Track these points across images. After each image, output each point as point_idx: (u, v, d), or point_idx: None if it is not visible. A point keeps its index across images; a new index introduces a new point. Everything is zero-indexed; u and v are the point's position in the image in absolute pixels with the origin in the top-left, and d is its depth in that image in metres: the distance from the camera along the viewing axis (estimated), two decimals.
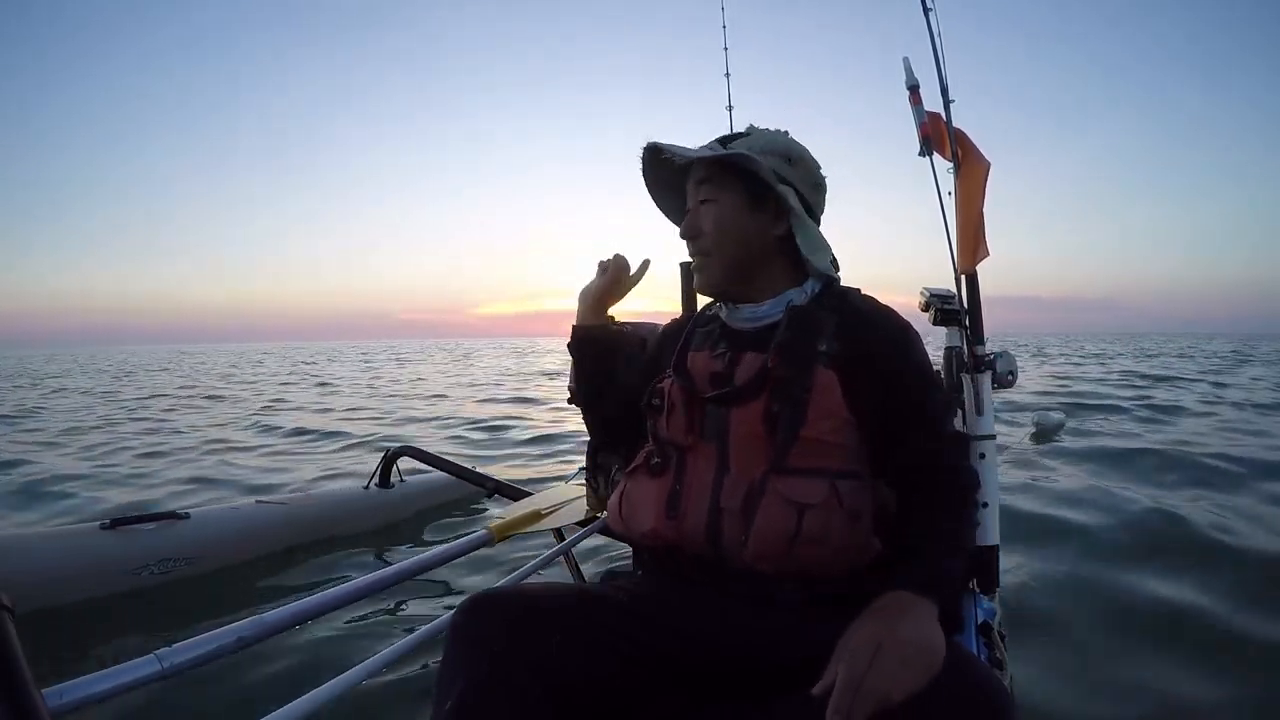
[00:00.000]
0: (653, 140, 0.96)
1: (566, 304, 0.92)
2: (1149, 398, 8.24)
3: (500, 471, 3.83)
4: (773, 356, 0.85)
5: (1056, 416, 5.96)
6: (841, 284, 0.97)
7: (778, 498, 0.80)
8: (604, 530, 1.47)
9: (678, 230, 1.01)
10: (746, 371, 0.87)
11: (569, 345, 1.07)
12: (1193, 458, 4.39)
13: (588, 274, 1.07)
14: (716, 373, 0.90)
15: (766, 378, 0.85)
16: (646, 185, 1.03)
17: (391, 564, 1.05)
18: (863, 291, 0.96)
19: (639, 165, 1.00)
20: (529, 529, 1.57)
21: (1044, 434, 5.50)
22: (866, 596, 0.85)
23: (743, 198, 0.92)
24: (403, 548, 2.90)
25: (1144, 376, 11.70)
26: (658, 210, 1.07)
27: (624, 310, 1.12)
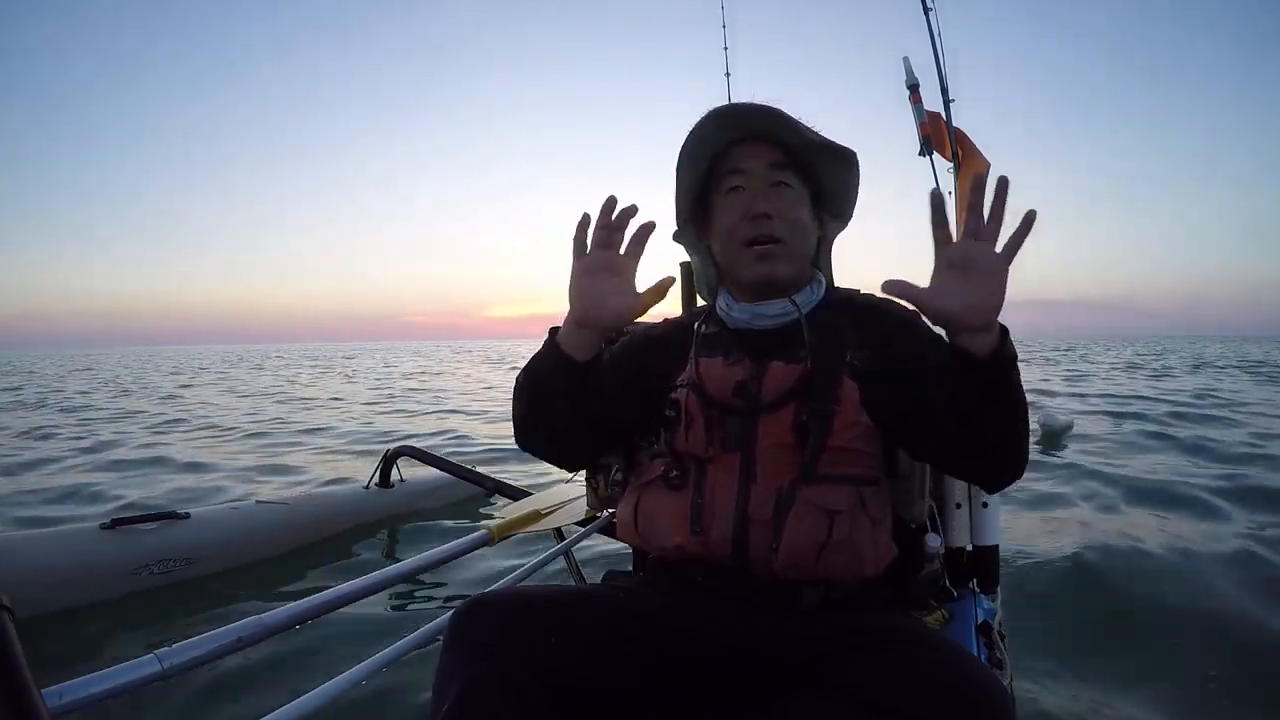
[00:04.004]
0: (766, 103, 0.88)
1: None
2: None
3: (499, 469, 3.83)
4: (806, 367, 0.84)
5: (1063, 418, 5.65)
6: (838, 286, 0.98)
7: (808, 505, 0.80)
8: (604, 530, 1.47)
9: (675, 214, 0.98)
10: (778, 382, 0.85)
11: (548, 370, 0.85)
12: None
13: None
14: (740, 382, 0.87)
15: (800, 388, 0.84)
16: (687, 147, 0.92)
17: (391, 564, 1.05)
18: (861, 291, 0.97)
19: (659, 133, 0.94)
20: (529, 529, 1.57)
21: (1050, 437, 5.27)
22: (876, 597, 0.85)
23: (808, 193, 0.92)
24: (403, 548, 2.90)
25: None
26: (668, 188, 0.97)
27: None
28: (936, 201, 0.72)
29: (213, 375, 18.00)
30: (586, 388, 0.85)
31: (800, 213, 0.90)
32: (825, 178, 0.93)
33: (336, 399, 10.52)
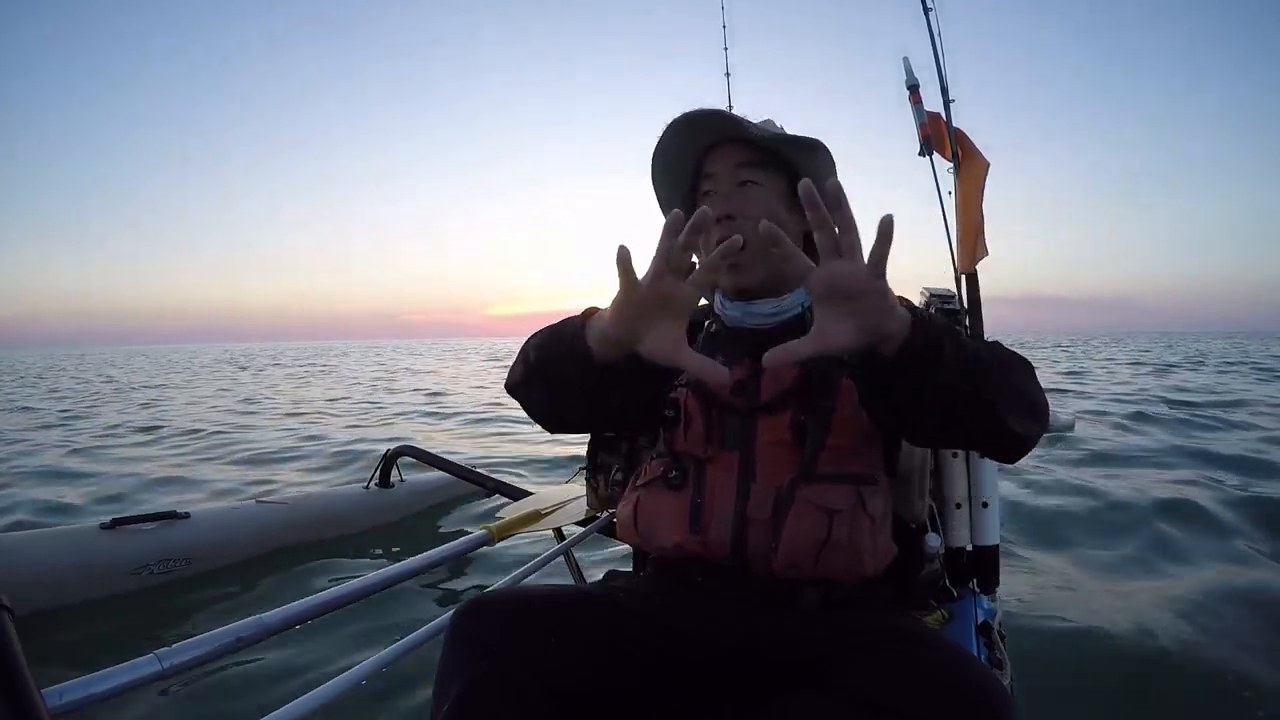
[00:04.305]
0: (712, 107, 0.88)
1: (577, 304, 0.80)
2: None
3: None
4: (803, 368, 0.84)
5: (1065, 416, 5.83)
6: None
7: (808, 505, 0.80)
8: (604, 530, 1.47)
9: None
10: (777, 381, 0.85)
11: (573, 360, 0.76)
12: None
13: (594, 275, 0.79)
14: (739, 381, 0.87)
15: (799, 387, 0.84)
16: (655, 161, 0.94)
17: (391, 564, 1.05)
18: None
19: (641, 141, 0.92)
20: (529, 529, 1.57)
21: (1051, 432, 5.39)
22: (876, 597, 0.85)
23: (784, 187, 0.90)
24: (403, 548, 2.90)
25: None
26: (653, 194, 0.97)
27: None
28: (767, 232, 0.63)
29: (188, 377, 17.77)
30: (604, 384, 0.76)
31: (769, 209, 0.88)
32: (802, 168, 0.91)
33: (298, 402, 10.25)
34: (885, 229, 0.62)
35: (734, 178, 0.89)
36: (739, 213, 0.87)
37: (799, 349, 0.64)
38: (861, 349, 0.65)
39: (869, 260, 0.63)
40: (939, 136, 1.55)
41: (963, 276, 1.49)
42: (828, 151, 0.92)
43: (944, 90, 1.55)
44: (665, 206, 0.97)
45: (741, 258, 0.85)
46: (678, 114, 0.90)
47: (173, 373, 19.66)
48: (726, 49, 1.85)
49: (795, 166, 0.91)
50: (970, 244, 1.47)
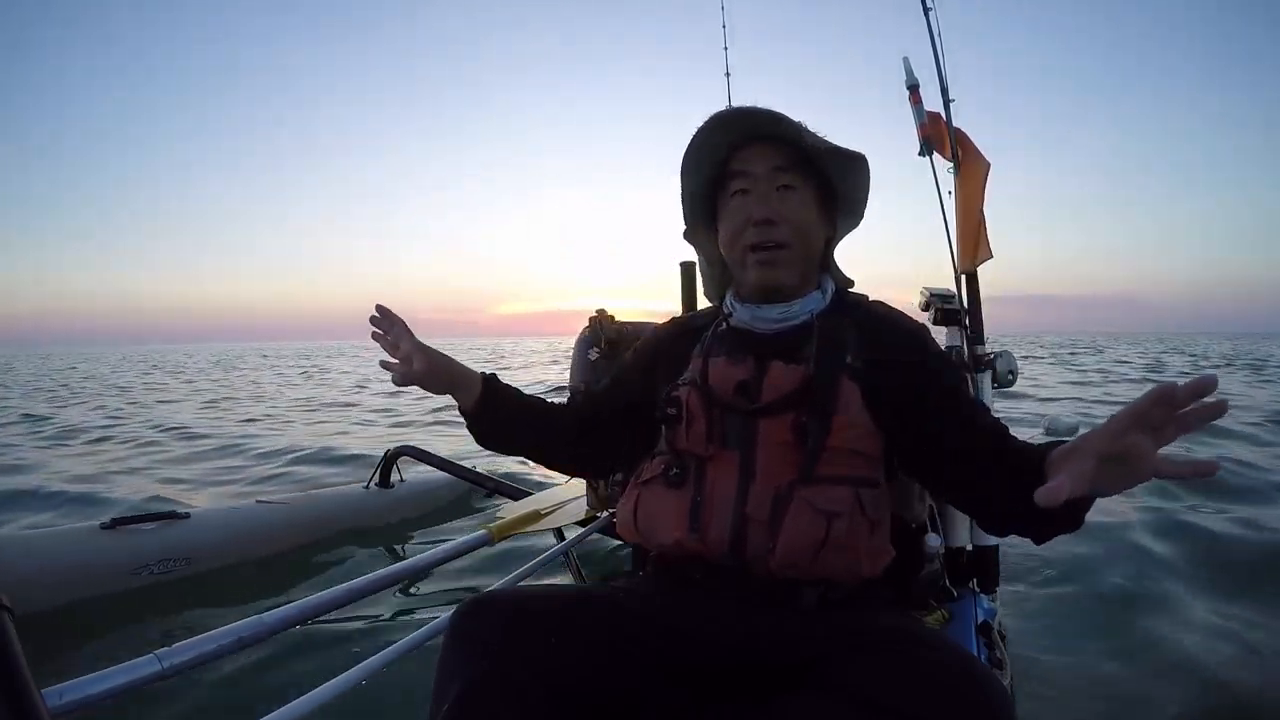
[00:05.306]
0: (766, 107, 0.87)
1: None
2: None
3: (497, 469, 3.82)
4: (809, 369, 0.85)
5: (1069, 420, 5.93)
6: (851, 291, 0.98)
7: (806, 506, 0.80)
8: (604, 530, 1.47)
9: (681, 219, 0.99)
10: (780, 382, 0.85)
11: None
12: None
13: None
14: (743, 381, 0.87)
15: (801, 389, 0.84)
16: (688, 157, 0.92)
17: (391, 564, 1.05)
18: (870, 298, 0.97)
19: (664, 138, 0.94)
20: (529, 529, 1.58)
21: (1054, 436, 5.49)
22: (876, 597, 0.85)
23: (815, 193, 0.90)
24: (403, 548, 2.90)
25: None
26: (672, 195, 0.98)
27: (625, 310, 1.12)
28: (1165, 396, 0.56)
29: (161, 377, 17.28)
30: (512, 423, 0.99)
31: (806, 215, 0.89)
32: (836, 177, 0.91)
33: (272, 407, 9.43)
34: (1203, 470, 0.55)
35: (772, 180, 0.89)
36: (780, 217, 0.88)
37: (1074, 487, 0.57)
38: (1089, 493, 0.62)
39: (1165, 464, 0.57)
40: (939, 136, 1.55)
41: (963, 276, 1.49)
42: (868, 165, 0.91)
43: (944, 90, 1.55)
44: (686, 196, 0.97)
45: (781, 257, 0.88)
46: (679, 114, 0.91)
47: (132, 375, 19.16)
48: (726, 49, 1.85)
49: (828, 175, 0.90)
50: (970, 244, 1.47)
